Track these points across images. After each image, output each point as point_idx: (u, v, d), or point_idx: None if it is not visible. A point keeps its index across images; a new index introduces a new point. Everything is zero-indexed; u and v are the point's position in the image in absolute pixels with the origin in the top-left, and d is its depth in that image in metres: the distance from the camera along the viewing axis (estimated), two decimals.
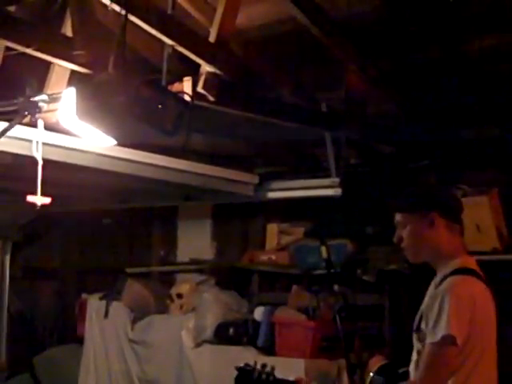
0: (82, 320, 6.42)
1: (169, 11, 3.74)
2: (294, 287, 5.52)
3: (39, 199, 3.53)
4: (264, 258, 5.92)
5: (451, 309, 2.50)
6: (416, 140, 5.29)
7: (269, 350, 5.25)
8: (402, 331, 4.98)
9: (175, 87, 3.76)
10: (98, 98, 3.12)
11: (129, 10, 3.25)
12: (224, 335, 5.50)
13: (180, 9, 4.07)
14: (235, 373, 3.05)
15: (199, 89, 3.80)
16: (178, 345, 5.71)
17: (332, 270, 3.89)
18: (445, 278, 2.64)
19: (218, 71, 3.83)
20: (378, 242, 5.20)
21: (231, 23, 3.90)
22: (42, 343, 7.01)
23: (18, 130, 3.73)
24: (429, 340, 2.54)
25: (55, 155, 4.18)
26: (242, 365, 3.06)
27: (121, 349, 6.11)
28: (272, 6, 4.37)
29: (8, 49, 3.90)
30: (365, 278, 5.22)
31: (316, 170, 5.80)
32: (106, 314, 6.26)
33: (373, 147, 5.63)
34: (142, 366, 5.97)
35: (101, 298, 6.38)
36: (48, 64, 3.91)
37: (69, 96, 3.35)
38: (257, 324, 5.45)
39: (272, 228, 6.09)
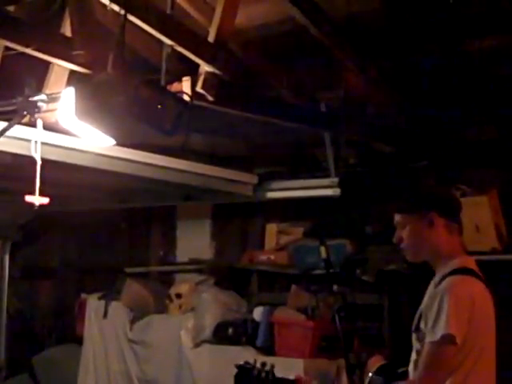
0: (81, 320, 6.42)
1: (168, 11, 3.74)
2: (293, 287, 5.52)
3: (37, 199, 3.53)
4: (263, 257, 5.91)
5: (450, 308, 2.51)
6: (416, 140, 5.30)
7: (268, 349, 5.24)
8: (401, 331, 4.97)
9: (174, 87, 3.76)
10: (97, 98, 3.12)
11: (128, 10, 3.26)
12: (223, 335, 5.49)
13: (179, 9, 4.07)
14: (234, 372, 3.05)
15: (198, 89, 3.79)
16: (177, 345, 5.71)
17: (331, 270, 3.88)
18: (444, 277, 2.64)
19: (217, 71, 3.82)
20: (377, 242, 5.20)
21: (230, 23, 3.90)
22: (41, 343, 7.01)
23: (17, 130, 3.73)
24: (428, 339, 2.55)
25: (54, 155, 4.18)
26: (241, 363, 3.06)
27: (120, 349, 6.11)
28: (271, 6, 4.38)
29: (7, 48, 3.91)
30: (364, 277, 5.22)
31: (315, 170, 5.79)
32: (105, 314, 6.26)
33: (372, 147, 5.63)
34: (141, 366, 5.97)
35: (100, 298, 6.38)
36: (47, 64, 3.91)
37: (68, 96, 3.35)
38: (256, 324, 5.45)
39: (271, 228, 6.08)
